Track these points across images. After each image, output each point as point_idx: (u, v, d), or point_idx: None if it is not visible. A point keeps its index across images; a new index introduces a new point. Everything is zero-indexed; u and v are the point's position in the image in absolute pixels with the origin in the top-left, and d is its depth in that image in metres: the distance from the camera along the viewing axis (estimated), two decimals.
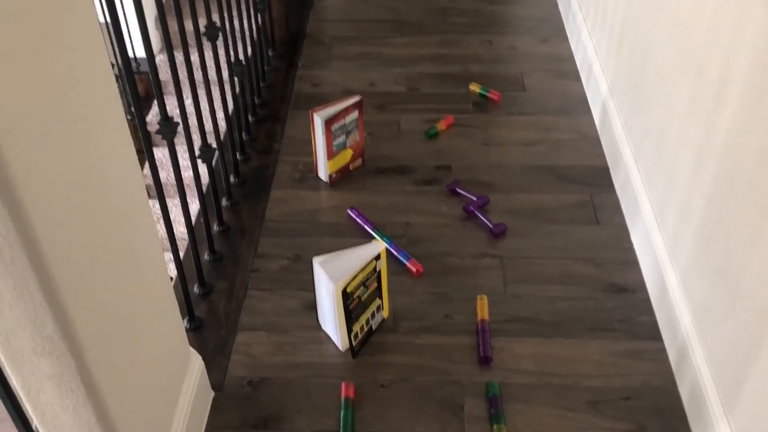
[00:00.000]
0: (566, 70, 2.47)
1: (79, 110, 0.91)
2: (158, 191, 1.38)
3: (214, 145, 1.73)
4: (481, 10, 2.88)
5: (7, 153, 0.74)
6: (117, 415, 1.03)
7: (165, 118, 1.39)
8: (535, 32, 2.71)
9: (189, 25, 1.59)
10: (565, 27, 2.71)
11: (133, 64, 2.58)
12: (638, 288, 1.69)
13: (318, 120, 1.87)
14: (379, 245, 1.52)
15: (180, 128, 1.44)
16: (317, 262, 1.48)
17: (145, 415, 1.16)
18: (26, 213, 0.78)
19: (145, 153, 1.32)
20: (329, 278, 1.44)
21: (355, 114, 1.95)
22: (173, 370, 1.30)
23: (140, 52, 2.10)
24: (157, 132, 1.40)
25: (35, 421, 0.98)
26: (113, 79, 1.00)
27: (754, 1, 1.21)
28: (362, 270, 1.47)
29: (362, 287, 1.49)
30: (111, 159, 1.01)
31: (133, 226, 1.09)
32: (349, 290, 1.44)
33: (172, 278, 1.59)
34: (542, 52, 2.58)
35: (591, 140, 2.15)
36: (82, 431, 1.00)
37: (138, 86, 1.37)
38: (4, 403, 0.96)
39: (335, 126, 1.90)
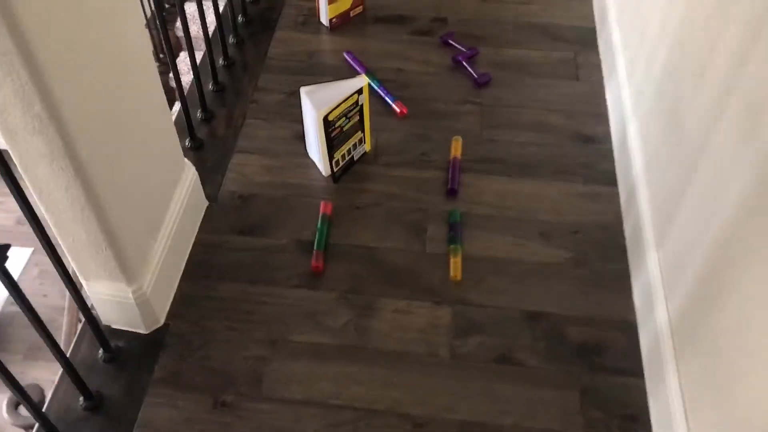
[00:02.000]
0: None
1: None
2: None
3: None
4: None
5: None
6: (107, 198, 1.10)
7: None
8: None
9: None
10: None
11: None
12: (604, 139, 1.70)
13: None
14: (362, 80, 1.53)
15: None
16: (304, 92, 1.51)
17: (136, 207, 1.23)
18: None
19: None
20: (313, 106, 1.47)
21: None
22: (166, 174, 1.37)
23: None
24: None
25: (35, 197, 1.06)
26: None
27: None
28: (344, 101, 1.50)
29: (344, 118, 1.52)
30: None
31: (122, 28, 1.11)
32: (330, 118, 1.48)
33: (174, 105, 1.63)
34: None
35: (584, 1, 2.09)
36: (74, 209, 1.08)
37: None
38: (5, 181, 1.03)
39: None
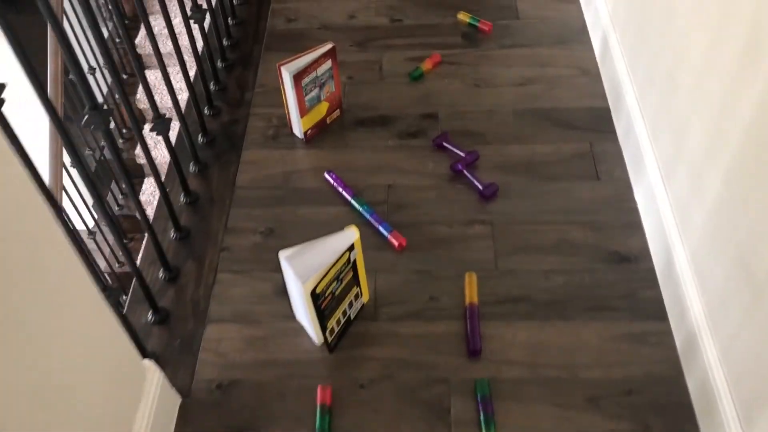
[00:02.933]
0: None
1: None
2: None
3: (168, 115, 1.44)
4: None
5: None
6: None
7: (93, 108, 1.10)
8: None
9: None
10: None
11: None
12: (642, 257, 1.44)
13: (286, 75, 1.57)
14: (352, 234, 1.26)
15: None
16: (284, 258, 1.24)
17: None
18: None
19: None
20: (297, 277, 1.20)
21: (328, 63, 1.64)
22: (124, 397, 1.09)
23: None
24: (86, 123, 1.12)
25: None
26: None
27: None
28: (334, 265, 1.23)
29: (336, 281, 1.25)
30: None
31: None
32: (319, 290, 1.21)
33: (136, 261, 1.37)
34: None
35: (591, 76, 1.83)
36: None
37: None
38: None
39: (306, 80, 1.60)
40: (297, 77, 1.57)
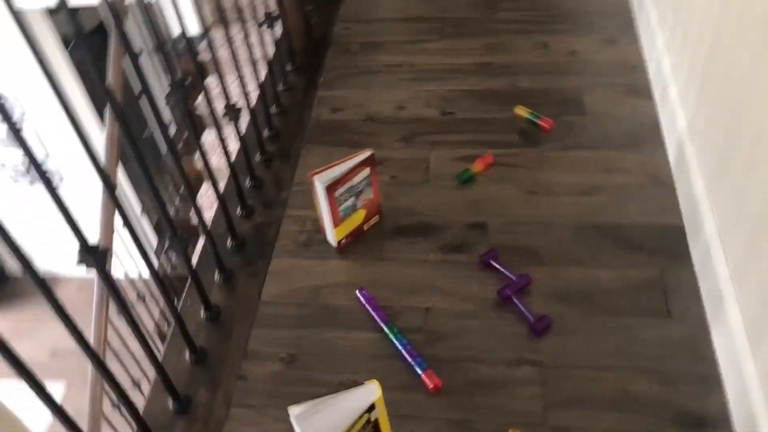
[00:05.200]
0: (636, 83, 1.91)
1: None
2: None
3: (185, 235, 1.32)
4: (536, 2, 2.30)
5: None
6: None
7: (85, 249, 0.99)
8: (600, 29, 2.13)
9: None
10: (638, 23, 2.12)
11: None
12: (720, 421, 1.21)
13: (319, 186, 1.44)
14: (373, 391, 1.10)
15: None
16: (294, 417, 1.08)
17: None
18: None
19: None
20: None
21: (366, 171, 1.50)
22: None
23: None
24: (81, 262, 1.01)
25: None
26: None
27: None
28: (351, 427, 1.06)
29: None
30: None
31: None
32: None
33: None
34: (608, 58, 2.02)
35: (664, 186, 1.62)
36: None
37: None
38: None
39: (340, 191, 1.46)
40: (330, 188, 1.43)
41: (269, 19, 1.81)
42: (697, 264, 1.44)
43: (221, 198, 1.53)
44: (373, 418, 1.11)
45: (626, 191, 1.62)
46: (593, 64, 2.00)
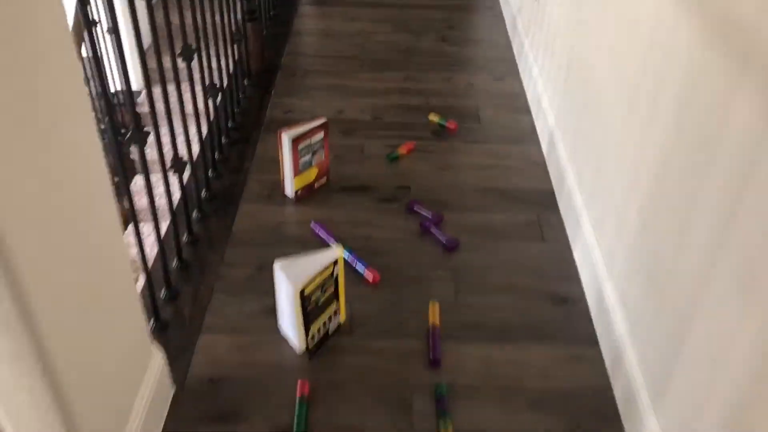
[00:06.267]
0: (518, 104, 2.52)
1: (46, 101, 0.90)
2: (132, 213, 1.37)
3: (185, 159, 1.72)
4: (442, 51, 2.93)
5: None
6: (74, 398, 1.00)
7: (137, 127, 1.38)
8: (491, 71, 2.76)
9: (167, 62, 1.62)
10: (518, 66, 2.77)
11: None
12: (578, 299, 1.70)
13: (286, 138, 1.88)
14: (336, 251, 1.51)
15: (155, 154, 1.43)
16: (278, 266, 1.47)
17: (104, 403, 1.12)
18: None
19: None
20: (289, 280, 1.43)
21: (320, 135, 1.96)
22: (134, 363, 1.27)
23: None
24: (128, 139, 1.39)
25: None
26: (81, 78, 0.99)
27: (678, 46, 1.25)
28: (320, 274, 1.46)
29: (320, 291, 1.47)
30: (75, 150, 1.00)
31: (95, 219, 1.07)
32: (307, 293, 1.43)
33: (138, 278, 1.57)
34: (497, 88, 2.63)
35: (539, 166, 2.18)
36: (38, 411, 0.97)
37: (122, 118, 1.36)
38: None
39: (302, 145, 1.91)
40: (295, 141, 1.88)
41: (236, 40, 2.29)
42: (562, 210, 1.97)
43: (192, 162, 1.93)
44: (335, 273, 1.51)
45: (512, 169, 2.16)
46: (486, 92, 2.60)
